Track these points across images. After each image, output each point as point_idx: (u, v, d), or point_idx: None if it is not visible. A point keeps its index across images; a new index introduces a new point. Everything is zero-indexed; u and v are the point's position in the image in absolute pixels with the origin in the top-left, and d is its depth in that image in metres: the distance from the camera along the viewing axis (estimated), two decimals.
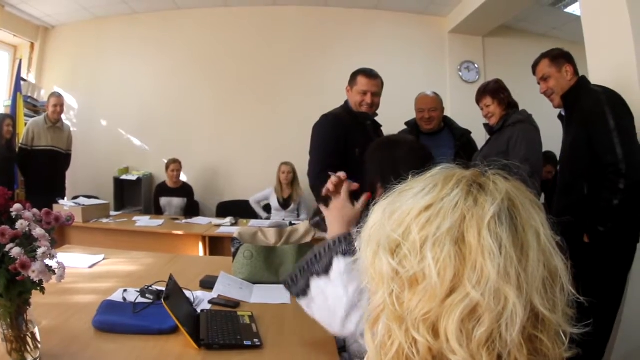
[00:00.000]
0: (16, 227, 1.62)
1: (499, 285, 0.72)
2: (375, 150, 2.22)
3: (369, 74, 3.76)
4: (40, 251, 1.59)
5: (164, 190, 7.10)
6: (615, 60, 3.63)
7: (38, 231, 1.64)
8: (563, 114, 3.60)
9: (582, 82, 3.44)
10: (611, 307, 3.31)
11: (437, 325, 0.75)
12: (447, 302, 0.74)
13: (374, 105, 3.77)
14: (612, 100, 3.18)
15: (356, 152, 3.49)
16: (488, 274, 0.72)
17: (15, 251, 1.55)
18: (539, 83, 3.64)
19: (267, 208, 7.08)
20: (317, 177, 3.62)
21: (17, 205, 1.67)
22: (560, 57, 3.50)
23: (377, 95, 3.77)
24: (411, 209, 0.81)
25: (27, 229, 1.64)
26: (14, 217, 1.66)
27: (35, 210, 1.72)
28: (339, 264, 1.70)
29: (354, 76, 3.81)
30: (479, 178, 0.84)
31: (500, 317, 0.71)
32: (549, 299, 0.76)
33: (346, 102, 3.88)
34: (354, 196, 2.09)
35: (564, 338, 0.78)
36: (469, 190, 0.80)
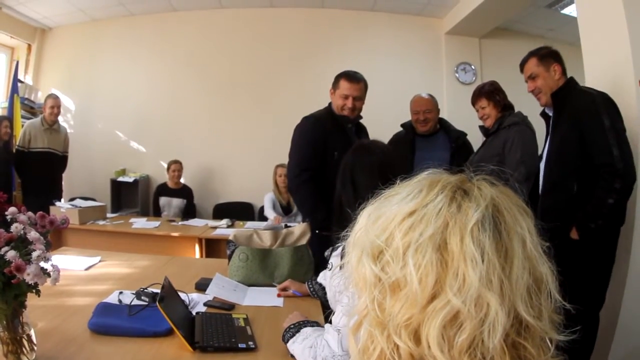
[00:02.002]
0: (11, 230, 1.62)
1: (480, 293, 0.71)
2: (347, 154, 2.26)
3: (352, 77, 3.77)
4: (35, 254, 1.60)
5: (164, 190, 7.12)
6: (612, 61, 3.63)
7: (33, 234, 1.64)
8: (547, 112, 3.59)
9: (572, 83, 3.43)
10: (595, 304, 3.31)
11: (419, 331, 0.75)
12: (428, 308, 0.74)
13: (356, 109, 3.78)
14: (606, 102, 3.17)
15: (335, 154, 3.53)
16: (470, 282, 0.72)
17: (10, 254, 1.56)
18: (526, 81, 3.61)
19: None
20: (294, 179, 3.71)
21: (12, 209, 1.68)
22: (548, 56, 3.49)
23: (358, 99, 3.78)
24: (395, 215, 0.81)
25: (22, 232, 1.64)
26: (9, 220, 1.67)
27: (30, 213, 1.73)
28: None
29: (336, 79, 3.82)
30: (464, 184, 0.83)
31: (482, 324, 0.71)
32: (534, 305, 0.76)
33: (330, 104, 3.90)
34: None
35: (549, 344, 0.78)
36: (453, 196, 0.80)
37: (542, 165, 3.58)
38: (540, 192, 3.54)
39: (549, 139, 3.54)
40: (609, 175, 3.07)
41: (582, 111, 3.22)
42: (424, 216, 0.78)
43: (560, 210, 3.30)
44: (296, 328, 2.03)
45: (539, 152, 3.69)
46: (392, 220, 0.81)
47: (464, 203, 0.79)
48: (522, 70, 3.64)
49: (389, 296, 0.79)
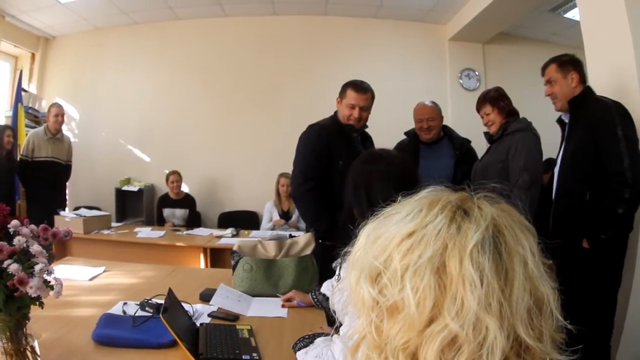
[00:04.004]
0: (14, 243, 1.62)
1: (479, 316, 0.70)
2: (356, 163, 2.18)
3: (359, 87, 3.75)
4: (37, 267, 1.60)
5: (166, 201, 7.08)
6: (615, 65, 3.64)
7: (35, 248, 1.64)
8: (564, 118, 3.60)
9: (589, 91, 3.45)
10: (608, 310, 3.33)
11: (417, 354, 0.74)
12: (426, 332, 0.73)
13: (362, 119, 3.77)
14: (621, 112, 3.19)
15: (340, 164, 3.53)
16: (468, 305, 0.71)
17: (13, 267, 1.56)
18: (545, 85, 3.63)
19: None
20: (298, 188, 3.70)
21: (14, 222, 1.67)
22: (567, 64, 3.50)
23: (365, 109, 3.76)
24: (394, 236, 0.80)
25: (24, 245, 1.64)
26: (11, 233, 1.66)
27: (32, 226, 1.72)
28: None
29: (344, 88, 3.81)
30: (464, 203, 0.82)
31: (480, 347, 0.70)
32: (535, 327, 0.74)
33: (335, 113, 3.89)
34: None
35: None
36: (453, 216, 0.79)
37: (556, 170, 3.60)
38: (553, 197, 3.57)
39: (563, 145, 3.57)
40: (619, 184, 3.10)
41: (597, 119, 3.25)
42: (423, 237, 0.77)
43: (572, 217, 3.36)
44: (310, 339, 2.00)
45: (555, 157, 3.70)
46: (390, 241, 0.80)
47: (464, 224, 0.77)
48: (542, 74, 3.66)
49: (386, 319, 0.78)
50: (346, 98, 3.74)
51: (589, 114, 3.32)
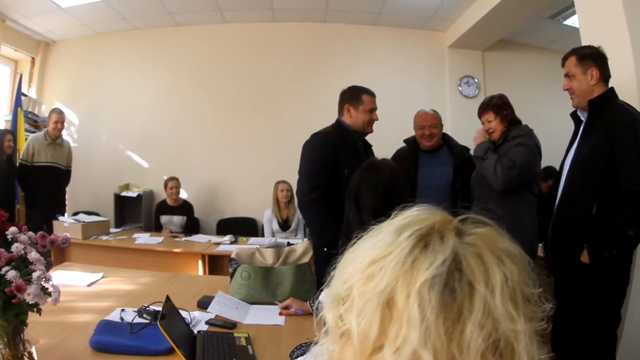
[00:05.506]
0: (12, 250, 1.62)
1: (418, 356, 0.68)
2: (356, 171, 2.29)
3: (371, 91, 3.84)
4: (35, 275, 1.60)
5: (164, 208, 7.07)
6: (614, 72, 3.55)
7: (33, 255, 1.64)
8: (579, 114, 3.36)
9: (612, 94, 3.17)
10: (612, 322, 3.21)
11: None
12: None
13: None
14: None
15: (345, 171, 3.51)
16: (409, 342, 0.68)
17: (11, 274, 1.56)
18: (564, 77, 3.35)
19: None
20: (304, 197, 3.70)
21: (12, 229, 1.67)
22: (588, 58, 3.19)
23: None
24: (363, 261, 0.79)
25: (22, 252, 1.64)
26: (9, 239, 1.66)
27: (30, 233, 1.73)
28: None
29: (357, 95, 3.81)
30: (431, 231, 0.78)
31: None
32: None
33: (337, 121, 3.89)
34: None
35: None
36: (412, 249, 0.75)
37: (565, 168, 3.39)
38: (557, 200, 3.38)
39: (577, 144, 3.33)
40: (634, 205, 2.89)
41: (618, 128, 3.00)
42: (382, 268, 0.75)
43: (574, 227, 3.18)
44: (307, 347, 2.01)
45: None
46: (359, 266, 0.79)
47: (420, 257, 0.74)
48: (563, 65, 3.38)
49: (340, 345, 0.79)
50: (364, 104, 3.77)
51: (609, 120, 3.07)
